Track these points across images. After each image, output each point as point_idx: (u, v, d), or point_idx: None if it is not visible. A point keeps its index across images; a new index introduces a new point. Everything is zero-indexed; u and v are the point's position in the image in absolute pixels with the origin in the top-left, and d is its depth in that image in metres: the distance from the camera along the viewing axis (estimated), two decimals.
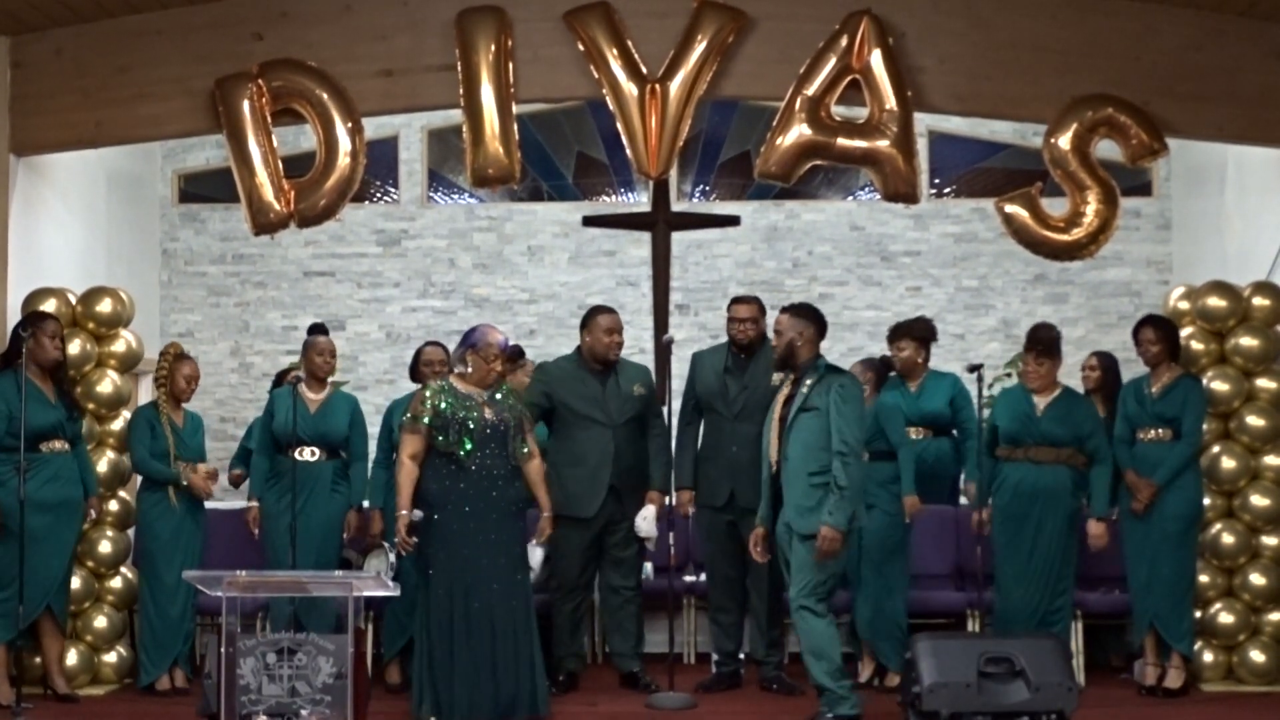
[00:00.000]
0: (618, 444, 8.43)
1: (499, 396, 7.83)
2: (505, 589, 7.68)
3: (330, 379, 8.89)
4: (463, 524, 7.65)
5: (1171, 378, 8.48)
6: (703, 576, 8.98)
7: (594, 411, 8.46)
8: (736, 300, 8.72)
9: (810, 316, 7.63)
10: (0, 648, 8.15)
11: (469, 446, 7.66)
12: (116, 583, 8.91)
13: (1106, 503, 8.37)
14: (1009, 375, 11.08)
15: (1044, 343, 8.38)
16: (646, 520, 8.33)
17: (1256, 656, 8.66)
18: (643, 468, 8.45)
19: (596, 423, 8.44)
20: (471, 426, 7.67)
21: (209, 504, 8.92)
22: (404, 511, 7.61)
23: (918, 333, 9.28)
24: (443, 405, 7.71)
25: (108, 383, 8.93)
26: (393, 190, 12.93)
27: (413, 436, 7.71)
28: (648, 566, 8.76)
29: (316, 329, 8.86)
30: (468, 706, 7.55)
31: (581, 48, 8.72)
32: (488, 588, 7.63)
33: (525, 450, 7.83)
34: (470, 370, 7.79)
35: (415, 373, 8.92)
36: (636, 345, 11.50)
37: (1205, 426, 8.57)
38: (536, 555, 8.10)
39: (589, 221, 11.59)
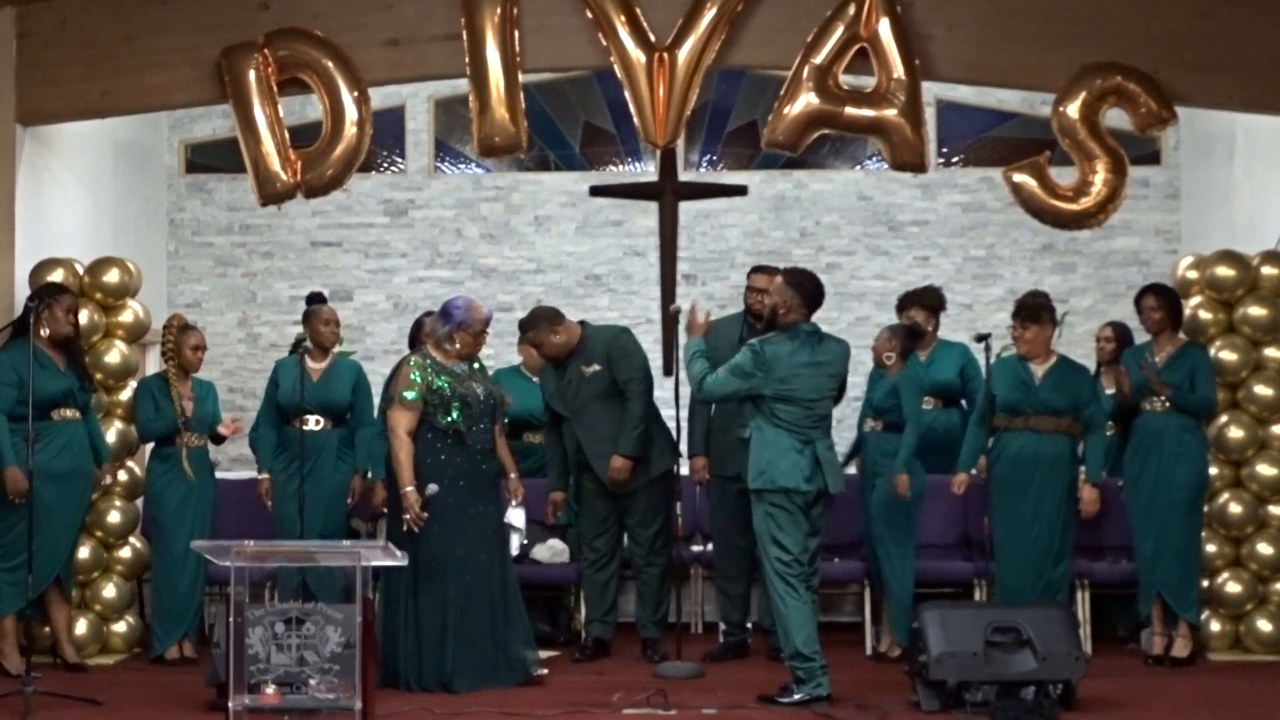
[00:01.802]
0: (577, 430, 8.48)
1: (479, 370, 7.93)
2: (491, 559, 7.82)
3: (337, 348, 8.90)
4: (456, 497, 7.73)
5: (1175, 347, 8.47)
6: (710, 546, 9.00)
7: (558, 405, 8.54)
8: (755, 270, 8.73)
9: (799, 287, 7.54)
10: (9, 618, 8.18)
11: (469, 423, 7.71)
12: (125, 552, 8.94)
13: (1100, 469, 8.37)
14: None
15: (1027, 308, 8.33)
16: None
17: (1264, 626, 8.67)
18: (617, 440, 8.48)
19: (562, 416, 8.54)
20: (470, 402, 7.72)
21: (219, 474, 8.95)
22: (409, 488, 7.62)
23: (928, 301, 9.26)
24: (439, 383, 7.74)
25: (115, 353, 8.95)
26: (399, 160, 12.89)
27: (408, 413, 7.74)
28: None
29: (316, 298, 8.85)
30: (467, 675, 7.66)
31: (590, 15, 8.69)
32: (476, 559, 7.74)
33: (507, 421, 8.08)
34: (457, 346, 7.82)
35: (415, 343, 8.91)
36: (644, 315, 11.51)
37: None
38: (519, 516, 8.08)
39: (596, 191, 11.55)
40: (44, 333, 8.18)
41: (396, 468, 7.72)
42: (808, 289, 7.53)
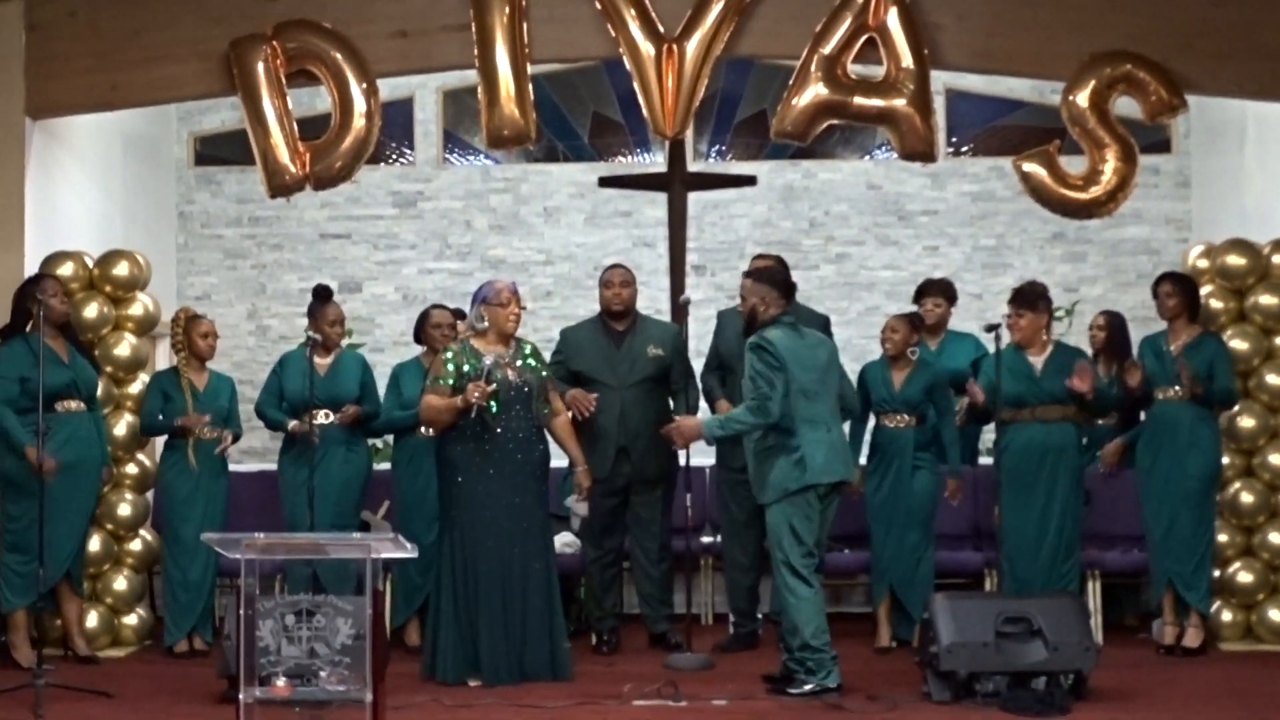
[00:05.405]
0: (625, 406, 8.44)
1: (522, 358, 7.81)
2: (527, 552, 7.71)
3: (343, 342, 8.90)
4: (487, 486, 7.65)
5: (1191, 335, 8.44)
6: (719, 537, 8.99)
7: (602, 374, 8.48)
8: (755, 258, 8.76)
9: (770, 280, 7.54)
10: (21, 611, 8.19)
11: (494, 409, 7.65)
12: (136, 545, 8.95)
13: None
14: None
15: (1024, 295, 8.30)
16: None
17: (1275, 615, 8.66)
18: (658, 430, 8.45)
19: (605, 385, 8.46)
20: (496, 388, 7.65)
21: (231, 467, 8.95)
22: (462, 397, 7.57)
23: (950, 290, 9.32)
24: (466, 367, 7.69)
25: (125, 345, 8.96)
26: (408, 152, 12.90)
27: (436, 394, 7.69)
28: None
29: (321, 292, 8.79)
30: (490, 669, 7.61)
31: (599, 6, 8.67)
32: (510, 551, 7.65)
33: (546, 410, 7.85)
34: (488, 324, 7.76)
35: (420, 335, 8.88)
36: (653, 306, 11.48)
37: None
38: (582, 509, 8.02)
39: (605, 182, 11.55)
40: (28, 327, 8.13)
41: (439, 417, 7.68)
42: (779, 281, 7.55)
